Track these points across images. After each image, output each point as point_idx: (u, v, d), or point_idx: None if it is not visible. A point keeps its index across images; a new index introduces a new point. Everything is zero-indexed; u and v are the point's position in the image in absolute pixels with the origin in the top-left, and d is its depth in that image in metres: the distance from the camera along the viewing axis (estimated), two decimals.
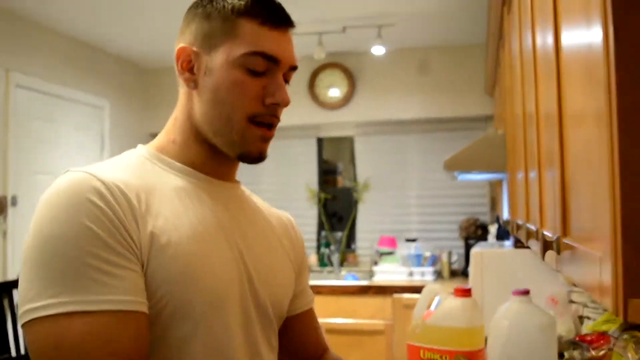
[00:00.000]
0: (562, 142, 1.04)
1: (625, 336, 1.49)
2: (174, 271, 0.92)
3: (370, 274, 4.70)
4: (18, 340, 3.57)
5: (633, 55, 0.63)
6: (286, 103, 1.03)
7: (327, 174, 5.53)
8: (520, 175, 2.01)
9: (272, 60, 1.02)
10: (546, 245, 1.08)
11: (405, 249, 4.70)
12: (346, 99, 4.96)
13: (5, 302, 3.58)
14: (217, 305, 0.97)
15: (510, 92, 2.44)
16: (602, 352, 1.59)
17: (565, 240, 1.00)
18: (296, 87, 4.99)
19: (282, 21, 1.03)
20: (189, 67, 1.04)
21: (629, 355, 1.41)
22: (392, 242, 4.82)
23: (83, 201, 0.88)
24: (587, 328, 1.91)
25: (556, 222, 1.09)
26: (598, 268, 0.72)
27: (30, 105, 3.96)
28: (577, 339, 1.69)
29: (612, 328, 1.67)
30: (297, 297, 1.23)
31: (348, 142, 5.29)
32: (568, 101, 0.99)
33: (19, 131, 3.83)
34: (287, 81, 1.07)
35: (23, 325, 0.86)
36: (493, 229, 3.87)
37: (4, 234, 3.70)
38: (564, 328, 2.08)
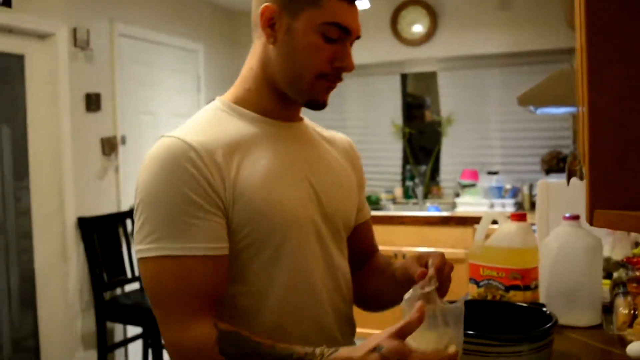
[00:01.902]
0: (583, 82, 1.20)
1: None
2: (254, 211, 1.11)
3: (453, 206, 4.88)
4: (133, 264, 4.05)
5: None
6: (351, 69, 1.19)
7: (414, 108, 5.66)
8: (579, 109, 2.13)
9: (344, 31, 1.16)
10: (570, 173, 1.26)
11: (486, 182, 4.84)
12: (428, 35, 5.05)
13: (120, 230, 4.04)
14: (293, 231, 1.16)
15: (578, 26, 2.51)
16: None
17: (586, 168, 1.18)
18: (379, 25, 5.12)
19: None
20: (271, 23, 1.16)
21: None
22: (474, 175, 4.96)
23: (180, 170, 1.07)
24: (634, 252, 2.05)
25: (583, 154, 1.27)
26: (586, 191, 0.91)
27: (132, 51, 4.32)
28: (625, 260, 1.85)
29: None
30: (359, 210, 1.40)
31: (434, 77, 5.40)
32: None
33: (123, 76, 4.20)
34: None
35: (138, 261, 1.11)
36: None
37: (116, 169, 4.13)
38: (622, 253, 2.23)
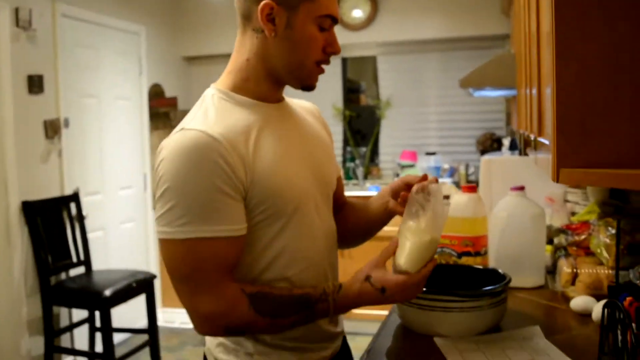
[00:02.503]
0: (540, 61, 1.34)
1: (600, 222, 1.82)
2: (269, 191, 1.25)
3: None
4: (78, 248, 4.03)
5: None
6: (339, 51, 1.33)
7: (351, 92, 5.80)
8: (523, 92, 2.29)
9: (333, 20, 1.30)
10: (527, 144, 1.39)
11: (425, 162, 5.04)
12: (369, 20, 5.18)
13: (65, 214, 4.01)
14: (300, 204, 1.31)
15: (519, 12, 2.68)
16: (583, 237, 1.92)
17: (539, 139, 1.32)
18: None
19: None
20: (270, 19, 1.25)
21: (600, 236, 1.75)
22: (413, 156, 5.15)
23: (211, 163, 1.18)
24: (572, 219, 2.24)
25: (535, 127, 1.41)
26: (548, 152, 1.04)
27: (75, 33, 4.27)
28: (565, 227, 2.03)
29: (592, 218, 2.00)
30: (335, 172, 1.54)
31: (371, 61, 5.54)
32: (542, 22, 1.28)
33: (66, 58, 4.15)
34: None
35: (160, 241, 1.21)
36: (506, 142, 4.16)
37: (60, 153, 4.08)
38: (560, 222, 2.42)
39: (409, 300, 1.37)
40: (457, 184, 4.94)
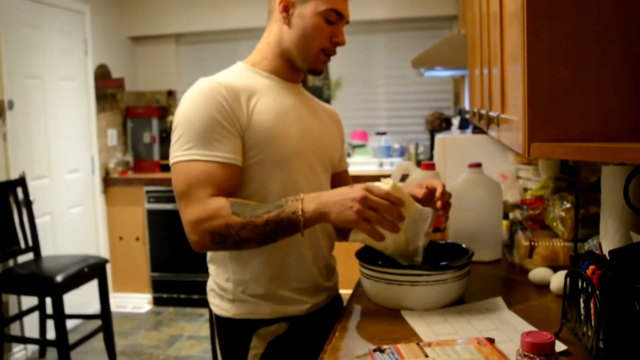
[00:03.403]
0: (502, 40, 1.38)
1: (554, 197, 1.89)
2: (263, 137, 1.50)
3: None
4: (25, 233, 3.93)
5: None
6: (344, 43, 1.59)
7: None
8: (476, 72, 2.34)
9: (340, 15, 1.56)
10: (490, 121, 1.43)
11: (375, 142, 5.09)
12: None
13: (11, 199, 3.90)
14: (290, 156, 1.53)
15: None
16: (537, 211, 1.99)
17: (503, 115, 1.36)
18: None
19: None
20: (286, 9, 1.56)
21: (555, 209, 1.82)
22: (364, 136, 5.19)
23: (212, 100, 1.46)
24: (527, 194, 2.32)
25: (498, 105, 1.45)
26: (516, 128, 1.07)
27: (16, 12, 4.12)
28: (520, 202, 2.09)
29: (546, 193, 2.08)
30: (340, 160, 1.80)
31: None
32: (506, 2, 1.32)
33: (8, 38, 4.01)
34: None
35: (171, 168, 1.47)
36: (456, 121, 4.25)
37: (4, 136, 3.96)
38: (512, 198, 2.50)
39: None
40: None
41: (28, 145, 4.22)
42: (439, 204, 1.53)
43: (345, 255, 2.32)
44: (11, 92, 4.02)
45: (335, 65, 5.38)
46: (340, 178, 1.80)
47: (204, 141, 1.44)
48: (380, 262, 1.54)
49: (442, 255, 1.66)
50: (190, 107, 1.47)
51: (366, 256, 1.60)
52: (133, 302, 5.15)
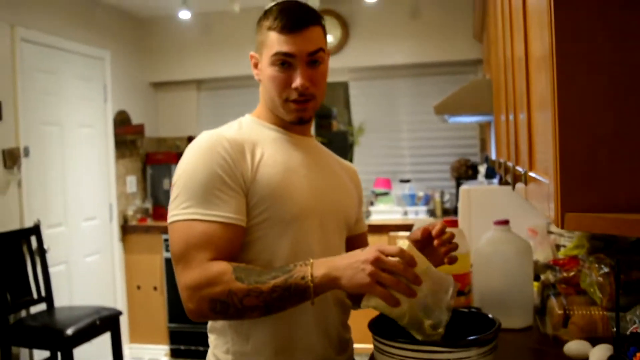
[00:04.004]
0: (529, 86, 1.23)
1: (590, 259, 1.71)
2: (270, 193, 1.38)
3: (367, 214, 4.93)
4: (39, 283, 3.82)
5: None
6: (303, 87, 1.40)
7: (322, 118, 5.69)
8: (502, 118, 2.19)
9: (288, 56, 1.40)
10: (516, 178, 1.28)
11: (399, 190, 4.93)
12: (340, 46, 5.09)
13: (25, 248, 3.81)
14: (299, 215, 1.41)
15: (495, 37, 2.60)
16: (572, 273, 1.81)
17: (531, 174, 1.20)
18: None
19: (296, 26, 1.40)
20: (256, 66, 1.50)
21: (593, 274, 1.64)
22: (387, 183, 5.04)
23: (214, 154, 1.36)
24: (559, 254, 2.13)
25: (525, 159, 1.29)
26: (546, 193, 0.92)
27: (35, 58, 4.10)
28: (552, 262, 1.91)
29: (581, 253, 1.89)
30: (358, 222, 1.66)
31: (342, 87, 5.44)
32: (532, 46, 1.17)
33: (26, 84, 3.97)
34: (316, 61, 1.43)
35: (168, 225, 1.35)
36: (482, 169, 4.08)
37: (19, 183, 3.89)
38: (543, 255, 2.31)
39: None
40: (432, 212, 4.84)
41: (44, 192, 4.14)
42: (435, 242, 1.43)
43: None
44: (27, 138, 3.96)
45: (358, 111, 5.26)
46: (357, 241, 1.64)
47: (204, 199, 1.33)
48: (392, 336, 1.37)
49: (464, 325, 1.48)
50: (191, 162, 1.38)
51: (380, 328, 1.43)
52: (150, 353, 4.99)
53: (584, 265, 1.73)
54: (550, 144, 0.87)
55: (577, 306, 1.62)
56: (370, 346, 1.46)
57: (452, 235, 1.43)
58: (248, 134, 1.45)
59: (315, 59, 1.43)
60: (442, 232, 1.41)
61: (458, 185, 4.82)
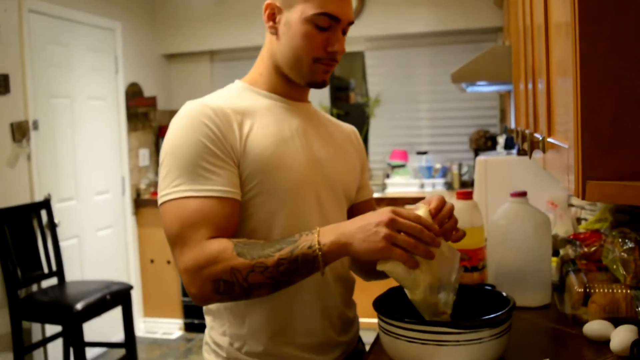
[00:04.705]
0: (548, 53, 1.12)
1: (613, 233, 1.59)
2: (262, 167, 1.28)
3: (383, 187, 4.83)
4: (49, 258, 3.79)
5: None
6: (342, 52, 1.35)
7: (339, 90, 5.56)
8: (521, 86, 2.07)
9: (334, 19, 1.32)
10: (533, 145, 1.17)
11: (416, 162, 4.81)
12: (356, 13, 4.94)
13: (35, 222, 3.77)
14: (294, 188, 1.31)
15: (515, 3, 2.46)
16: (593, 249, 1.70)
17: (549, 140, 1.09)
18: None
19: None
20: (272, 18, 1.36)
21: (616, 249, 1.53)
22: (404, 155, 4.92)
23: (199, 123, 1.25)
24: (580, 227, 2.02)
25: (543, 125, 1.18)
26: (566, 159, 0.81)
27: (44, 30, 4.02)
28: (572, 236, 1.80)
29: (604, 227, 1.78)
30: (361, 189, 1.56)
31: (359, 57, 5.30)
32: (552, 13, 1.06)
33: (34, 56, 3.90)
34: (344, 32, 1.37)
35: (159, 208, 1.25)
36: (501, 140, 3.94)
37: (29, 157, 3.84)
38: (564, 229, 2.20)
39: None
40: (450, 185, 4.72)
41: (55, 166, 4.09)
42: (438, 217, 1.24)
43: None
44: (37, 112, 3.90)
45: (375, 82, 5.13)
46: (362, 210, 1.49)
47: (194, 173, 1.23)
48: (399, 316, 1.28)
49: (476, 304, 1.39)
50: (174, 135, 1.27)
51: (386, 307, 1.34)
52: (164, 327, 4.97)
53: (607, 240, 1.62)
54: (571, 104, 0.77)
55: (598, 284, 1.51)
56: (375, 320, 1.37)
57: (450, 211, 1.27)
58: (238, 102, 1.35)
59: (347, 29, 1.38)
60: (439, 209, 1.25)
61: (477, 156, 4.69)
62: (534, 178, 2.38)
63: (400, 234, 1.14)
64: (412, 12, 4.83)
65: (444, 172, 4.73)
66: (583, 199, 0.72)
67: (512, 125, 3.17)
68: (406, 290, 1.25)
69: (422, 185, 4.67)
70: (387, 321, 1.30)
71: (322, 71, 1.36)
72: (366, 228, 1.14)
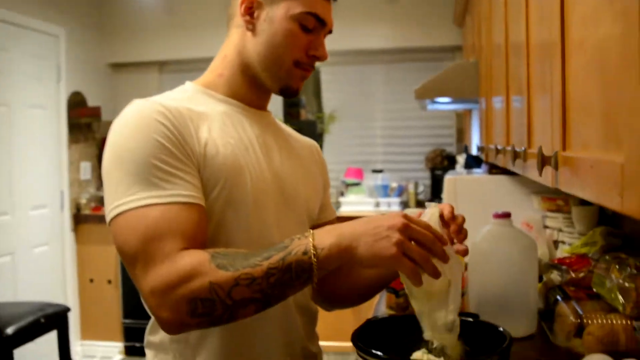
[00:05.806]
0: (564, 66, 1.00)
1: (607, 258, 1.49)
2: (224, 174, 1.13)
3: (337, 205, 4.69)
4: None
5: None
6: (325, 58, 1.26)
7: (290, 107, 5.41)
8: (499, 102, 1.97)
9: (320, 21, 1.23)
10: (544, 161, 1.04)
11: (371, 180, 4.69)
12: None
13: None
14: (255, 202, 1.18)
15: (488, 20, 2.37)
16: (582, 274, 1.59)
17: (566, 154, 0.97)
18: None
19: None
20: (250, 12, 1.23)
21: (613, 276, 1.41)
22: (359, 173, 4.80)
23: (151, 121, 1.08)
24: (564, 251, 1.91)
25: (554, 139, 1.06)
26: (608, 172, 0.68)
27: None
28: (556, 261, 1.69)
29: (591, 251, 1.67)
30: (323, 209, 1.44)
31: (312, 73, 5.18)
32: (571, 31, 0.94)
33: None
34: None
35: (110, 224, 1.05)
36: (461, 159, 3.86)
37: None
38: (540, 251, 2.09)
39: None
40: (406, 204, 4.62)
41: None
42: (452, 227, 1.14)
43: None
44: None
45: (330, 98, 5.01)
46: None
47: (153, 177, 1.04)
48: (382, 354, 1.11)
49: (464, 336, 1.25)
50: (123, 137, 1.08)
51: (365, 341, 1.17)
52: (102, 351, 4.68)
53: (597, 266, 1.51)
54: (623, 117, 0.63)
55: (594, 313, 1.39)
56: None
57: (464, 220, 1.17)
58: (191, 105, 1.19)
59: (325, 37, 1.29)
60: (454, 217, 1.15)
61: (433, 176, 4.61)
62: (507, 198, 2.28)
63: (412, 242, 1.00)
64: (370, 28, 4.75)
65: (400, 190, 4.63)
66: (622, 212, 0.59)
67: (477, 143, 3.08)
68: (411, 300, 1.12)
69: (377, 204, 4.56)
70: (366, 358, 1.14)
71: (299, 77, 1.25)
72: (376, 231, 1.00)
